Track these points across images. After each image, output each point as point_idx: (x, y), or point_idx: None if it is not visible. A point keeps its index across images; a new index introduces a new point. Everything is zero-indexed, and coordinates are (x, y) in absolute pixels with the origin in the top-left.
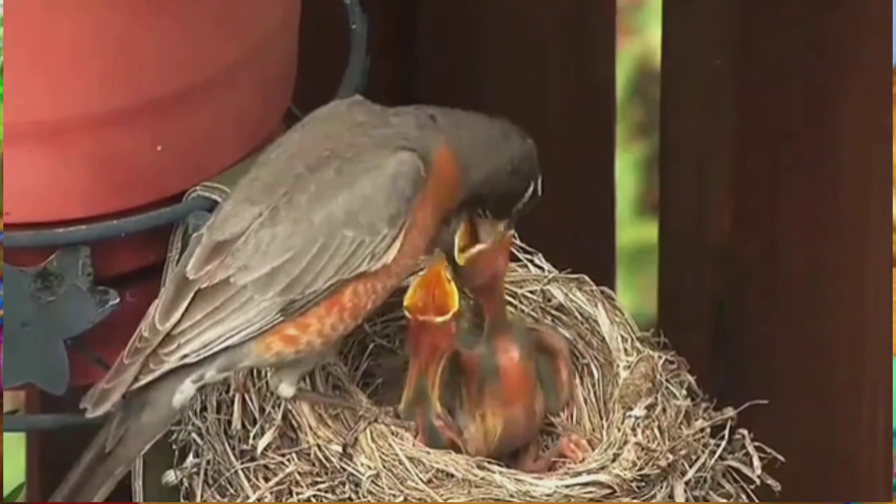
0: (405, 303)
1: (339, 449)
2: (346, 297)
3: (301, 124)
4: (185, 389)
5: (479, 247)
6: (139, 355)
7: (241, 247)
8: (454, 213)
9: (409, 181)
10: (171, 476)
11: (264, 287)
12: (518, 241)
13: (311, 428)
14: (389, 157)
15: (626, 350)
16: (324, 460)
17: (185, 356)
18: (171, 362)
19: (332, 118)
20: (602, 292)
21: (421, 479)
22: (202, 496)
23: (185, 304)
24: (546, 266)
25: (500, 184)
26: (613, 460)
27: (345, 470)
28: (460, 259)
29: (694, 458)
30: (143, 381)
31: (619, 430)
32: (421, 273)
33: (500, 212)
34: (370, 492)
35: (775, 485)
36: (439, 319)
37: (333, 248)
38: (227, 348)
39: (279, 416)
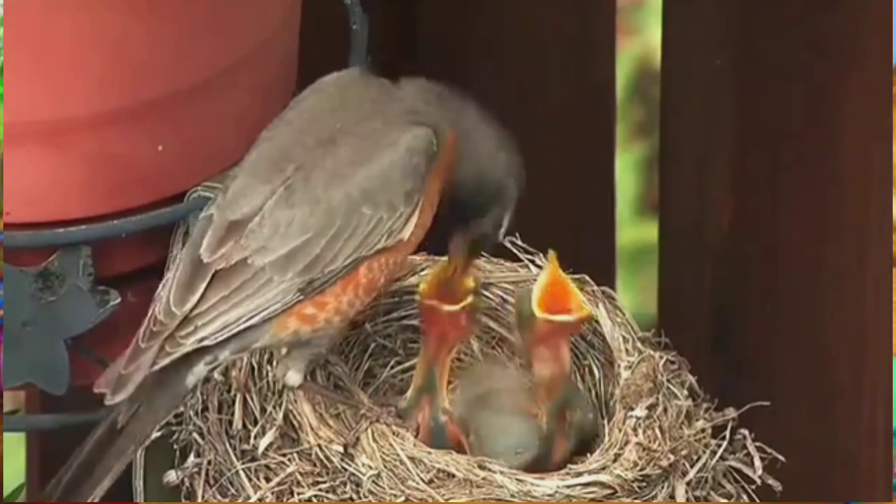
0: (420, 287)
1: (341, 449)
2: (361, 273)
3: (297, 100)
4: (198, 371)
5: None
6: (156, 339)
7: (257, 227)
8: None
9: (423, 156)
10: (172, 476)
11: (283, 268)
12: (518, 241)
13: (312, 428)
14: (403, 133)
15: (627, 350)
16: (325, 460)
17: (204, 339)
18: (189, 345)
19: (336, 91)
20: (603, 292)
21: (422, 478)
22: (203, 496)
23: (203, 286)
24: None
25: (480, 194)
26: (615, 460)
27: (346, 470)
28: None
29: (695, 458)
30: (161, 364)
31: (620, 430)
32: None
33: (463, 226)
34: (371, 492)
35: (776, 485)
36: (446, 308)
37: (352, 227)
38: (243, 330)
39: (280, 415)
